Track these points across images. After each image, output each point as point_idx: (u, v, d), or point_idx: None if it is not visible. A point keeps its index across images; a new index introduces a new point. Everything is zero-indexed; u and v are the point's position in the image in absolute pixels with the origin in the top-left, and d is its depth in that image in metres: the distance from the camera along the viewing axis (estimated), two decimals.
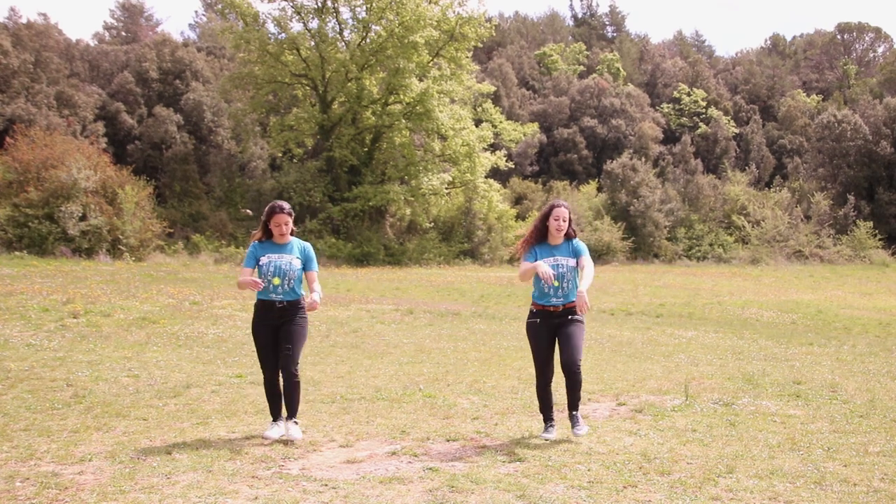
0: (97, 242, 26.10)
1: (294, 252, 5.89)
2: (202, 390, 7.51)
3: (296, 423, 5.84)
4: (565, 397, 6.05)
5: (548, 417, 6.04)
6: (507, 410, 7.03)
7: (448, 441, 5.87)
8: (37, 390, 7.23)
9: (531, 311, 6.03)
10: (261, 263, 5.82)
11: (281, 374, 5.82)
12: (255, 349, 6.05)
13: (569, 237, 6.00)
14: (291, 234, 5.94)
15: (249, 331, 11.65)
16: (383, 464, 5.24)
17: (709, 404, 7.34)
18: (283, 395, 5.87)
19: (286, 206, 5.90)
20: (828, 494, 4.73)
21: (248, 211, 34.76)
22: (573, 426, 5.98)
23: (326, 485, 4.77)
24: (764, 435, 6.17)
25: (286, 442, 5.70)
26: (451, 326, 13.55)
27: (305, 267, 5.93)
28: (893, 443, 6.00)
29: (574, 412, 6.01)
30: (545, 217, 5.96)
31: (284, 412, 5.89)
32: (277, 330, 5.82)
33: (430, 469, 5.10)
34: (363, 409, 6.90)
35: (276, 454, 5.43)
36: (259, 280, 5.76)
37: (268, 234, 5.90)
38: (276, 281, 5.77)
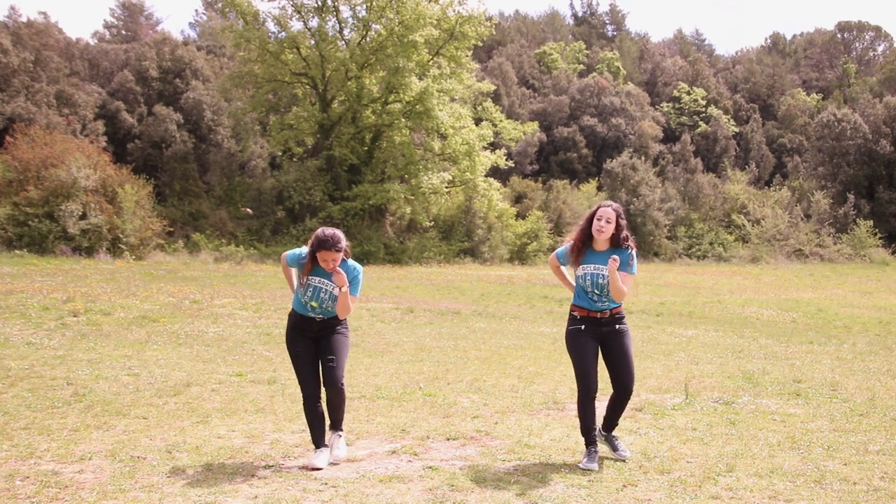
0: (97, 241, 26.10)
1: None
2: (202, 389, 7.50)
3: (340, 435, 5.33)
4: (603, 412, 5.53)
5: (590, 440, 5.32)
6: (507, 409, 7.02)
7: (448, 440, 5.86)
8: (37, 389, 7.23)
9: (573, 317, 5.40)
10: (301, 282, 5.27)
11: (325, 388, 5.26)
12: (290, 362, 5.44)
13: (618, 245, 5.32)
14: (345, 257, 5.22)
15: (250, 329, 11.74)
16: (383, 462, 5.24)
17: (709, 403, 7.33)
18: (326, 409, 5.31)
19: (340, 240, 5.07)
20: (828, 493, 4.73)
21: (248, 210, 34.75)
22: (615, 449, 5.44)
23: (326, 483, 4.77)
24: (764, 433, 6.17)
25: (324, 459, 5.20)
26: (451, 325, 13.55)
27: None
28: (893, 441, 6.00)
29: (613, 434, 5.52)
30: (590, 218, 5.35)
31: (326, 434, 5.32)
32: (317, 341, 5.30)
33: (430, 468, 5.10)
34: (363, 408, 6.90)
35: (276, 453, 5.43)
36: (295, 285, 5.38)
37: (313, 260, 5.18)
38: (314, 304, 5.22)
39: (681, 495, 4.64)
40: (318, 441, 5.22)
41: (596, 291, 5.30)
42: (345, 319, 5.38)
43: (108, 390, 7.27)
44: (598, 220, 5.27)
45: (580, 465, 5.20)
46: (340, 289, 5.13)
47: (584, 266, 5.33)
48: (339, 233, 5.10)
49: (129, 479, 4.72)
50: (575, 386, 8.15)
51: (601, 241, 5.32)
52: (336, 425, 5.36)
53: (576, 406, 7.17)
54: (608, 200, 5.50)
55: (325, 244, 5.02)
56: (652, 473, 5.05)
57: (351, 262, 5.28)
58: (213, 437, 5.78)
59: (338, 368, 5.23)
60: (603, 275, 5.26)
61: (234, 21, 35.62)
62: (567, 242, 5.50)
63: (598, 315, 5.32)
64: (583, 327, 5.33)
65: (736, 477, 5.00)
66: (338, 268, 5.10)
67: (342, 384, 5.25)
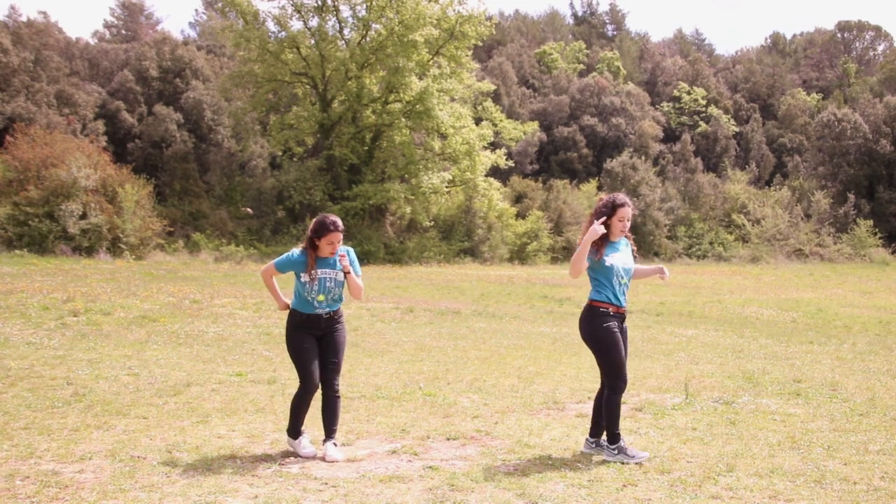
0: (97, 241, 26.12)
1: (338, 265, 5.39)
2: (202, 389, 7.51)
3: (335, 444, 5.40)
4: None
5: (617, 434, 5.40)
6: (507, 409, 7.02)
7: (448, 440, 5.86)
8: (37, 388, 7.23)
9: (605, 313, 5.34)
10: (303, 280, 5.34)
11: (322, 388, 5.43)
12: (290, 360, 5.58)
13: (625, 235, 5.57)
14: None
15: (250, 329, 11.74)
16: (383, 462, 5.24)
17: (709, 403, 7.33)
18: (323, 413, 5.44)
19: (340, 222, 5.36)
20: (828, 493, 4.73)
21: (248, 209, 34.75)
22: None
23: (326, 483, 4.77)
24: (764, 433, 6.17)
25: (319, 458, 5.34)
26: (451, 325, 13.55)
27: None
28: (893, 441, 6.00)
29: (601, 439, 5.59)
30: (609, 214, 5.36)
31: (303, 430, 5.49)
32: (320, 339, 5.45)
33: (431, 468, 5.10)
34: (363, 408, 6.90)
35: (276, 453, 5.43)
36: (286, 302, 5.54)
37: (314, 249, 5.37)
38: (321, 298, 5.36)
39: (681, 495, 4.64)
40: (298, 431, 5.41)
41: (624, 279, 5.43)
42: (343, 315, 5.56)
43: (108, 390, 7.27)
44: (621, 220, 5.40)
45: (634, 458, 5.23)
46: (346, 274, 5.37)
47: (611, 257, 5.40)
48: (336, 217, 5.40)
49: (129, 478, 4.72)
50: (574, 385, 8.19)
51: (621, 236, 5.53)
52: (331, 435, 5.42)
53: (575, 405, 7.21)
54: (622, 196, 5.49)
55: (332, 226, 5.27)
56: (652, 473, 5.05)
57: (340, 247, 5.47)
58: (213, 437, 5.78)
59: (338, 372, 5.50)
60: (627, 262, 5.49)
61: (234, 21, 35.62)
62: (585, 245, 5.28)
63: (623, 311, 5.47)
64: (615, 322, 5.39)
65: (736, 477, 5.00)
66: (339, 250, 5.34)
67: (338, 386, 5.50)
